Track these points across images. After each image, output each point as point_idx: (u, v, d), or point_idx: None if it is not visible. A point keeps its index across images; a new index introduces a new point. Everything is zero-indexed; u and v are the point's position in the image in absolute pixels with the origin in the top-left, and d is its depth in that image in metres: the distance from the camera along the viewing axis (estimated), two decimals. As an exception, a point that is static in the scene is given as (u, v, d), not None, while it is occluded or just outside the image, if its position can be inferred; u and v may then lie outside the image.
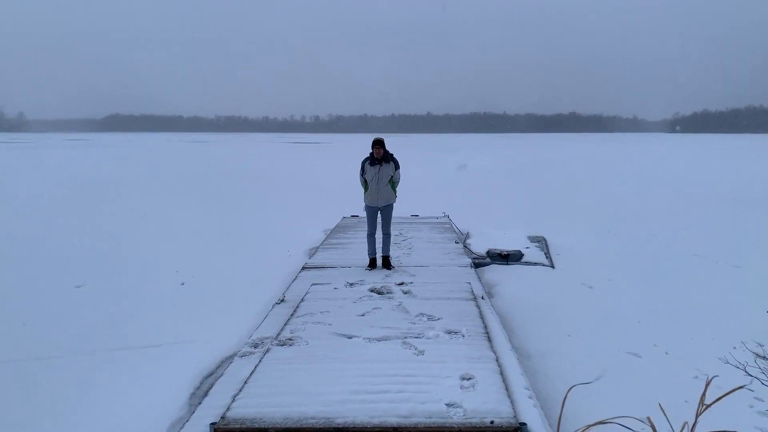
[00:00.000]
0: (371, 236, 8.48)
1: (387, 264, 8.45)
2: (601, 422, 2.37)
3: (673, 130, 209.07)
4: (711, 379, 2.71)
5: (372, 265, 8.47)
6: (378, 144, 8.07)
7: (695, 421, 2.43)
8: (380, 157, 8.12)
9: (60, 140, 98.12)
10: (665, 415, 2.44)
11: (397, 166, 8.30)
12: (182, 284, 8.41)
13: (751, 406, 4.53)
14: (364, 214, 8.69)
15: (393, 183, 8.36)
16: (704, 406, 2.36)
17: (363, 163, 8.34)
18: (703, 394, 2.39)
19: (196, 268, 9.23)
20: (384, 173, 8.19)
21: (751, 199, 18.55)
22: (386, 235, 8.48)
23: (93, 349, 5.90)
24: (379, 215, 8.49)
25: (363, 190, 8.47)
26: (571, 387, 2.93)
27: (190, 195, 20.40)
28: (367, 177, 8.28)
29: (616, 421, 2.34)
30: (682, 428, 2.43)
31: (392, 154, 8.32)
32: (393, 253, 9.27)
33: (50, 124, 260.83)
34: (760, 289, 8.01)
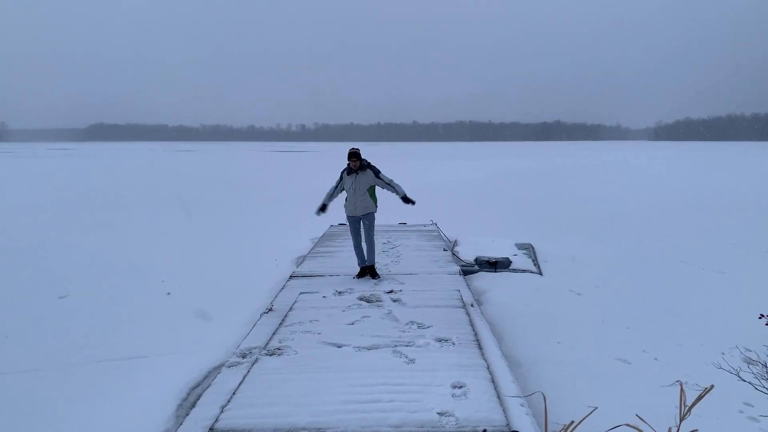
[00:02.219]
0: (357, 247, 8.37)
1: (373, 273, 8.34)
2: (580, 421, 2.35)
3: (657, 138, 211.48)
4: (683, 383, 2.72)
5: (361, 273, 8.35)
6: (354, 156, 8.00)
7: (679, 425, 2.43)
8: (356, 168, 8.07)
9: (42, 150, 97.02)
10: (646, 422, 2.44)
11: (375, 174, 8.15)
12: (168, 294, 8.31)
13: (741, 411, 4.54)
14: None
15: (373, 192, 8.24)
16: (687, 408, 2.35)
17: (342, 172, 8.28)
18: (680, 399, 2.39)
19: (182, 277, 9.13)
20: (361, 182, 8.08)
21: (734, 205, 18.78)
22: (370, 245, 8.32)
23: (77, 362, 5.78)
24: (361, 225, 8.36)
25: (327, 193, 8.31)
26: (543, 395, 2.91)
27: (175, 205, 20.23)
28: (345, 186, 8.21)
29: (595, 422, 2.33)
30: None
31: (369, 162, 8.22)
32: (381, 260, 9.23)
33: (33, 134, 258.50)
34: (744, 295, 8.08)
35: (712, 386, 2.48)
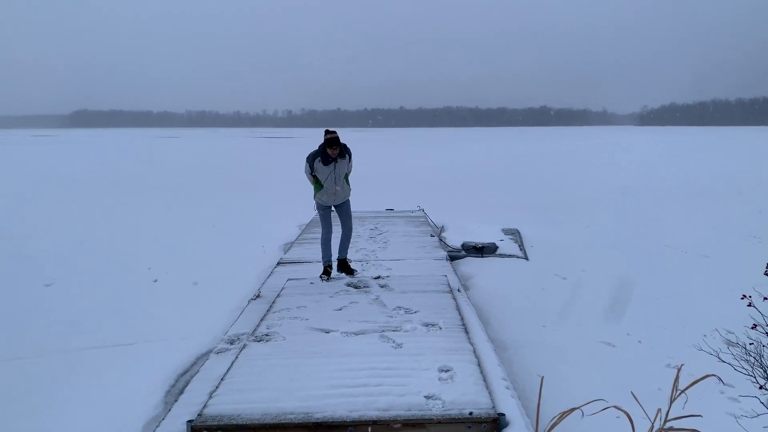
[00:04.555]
0: (327, 241, 7.35)
1: (346, 268, 7.39)
2: (573, 409, 2.40)
3: (642, 123, 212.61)
4: (681, 366, 2.78)
5: (327, 273, 7.34)
6: (334, 144, 6.82)
7: (669, 407, 2.48)
8: (335, 156, 6.96)
9: (25, 136, 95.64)
10: (639, 402, 2.48)
11: (350, 157, 7.20)
12: (155, 281, 8.28)
13: (722, 392, 4.64)
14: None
15: (347, 177, 7.31)
16: (678, 392, 2.40)
17: (311, 160, 7.02)
18: (676, 380, 2.44)
19: (168, 264, 9.09)
20: (340, 171, 7.06)
21: (718, 189, 18.97)
22: (348, 230, 7.42)
23: (63, 349, 5.76)
24: (334, 211, 7.41)
25: (314, 189, 7.26)
26: (542, 378, 2.96)
27: (161, 191, 20.08)
28: (320, 177, 7.05)
29: (587, 406, 2.37)
30: (656, 415, 2.48)
31: (345, 145, 7.08)
32: (369, 247, 9.23)
33: (16, 120, 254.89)
34: (727, 278, 8.20)
35: (712, 375, 2.53)
